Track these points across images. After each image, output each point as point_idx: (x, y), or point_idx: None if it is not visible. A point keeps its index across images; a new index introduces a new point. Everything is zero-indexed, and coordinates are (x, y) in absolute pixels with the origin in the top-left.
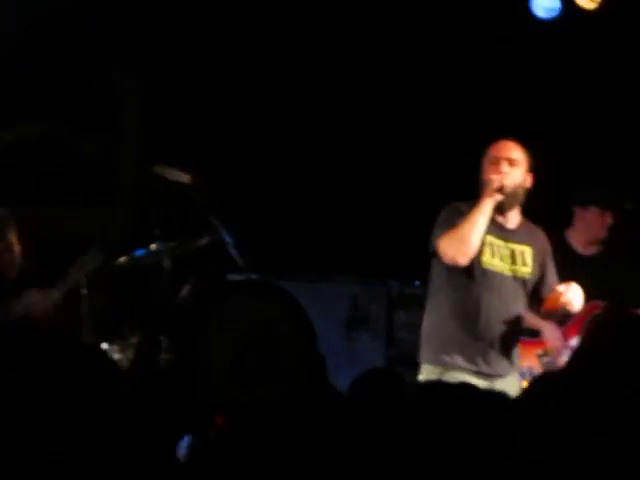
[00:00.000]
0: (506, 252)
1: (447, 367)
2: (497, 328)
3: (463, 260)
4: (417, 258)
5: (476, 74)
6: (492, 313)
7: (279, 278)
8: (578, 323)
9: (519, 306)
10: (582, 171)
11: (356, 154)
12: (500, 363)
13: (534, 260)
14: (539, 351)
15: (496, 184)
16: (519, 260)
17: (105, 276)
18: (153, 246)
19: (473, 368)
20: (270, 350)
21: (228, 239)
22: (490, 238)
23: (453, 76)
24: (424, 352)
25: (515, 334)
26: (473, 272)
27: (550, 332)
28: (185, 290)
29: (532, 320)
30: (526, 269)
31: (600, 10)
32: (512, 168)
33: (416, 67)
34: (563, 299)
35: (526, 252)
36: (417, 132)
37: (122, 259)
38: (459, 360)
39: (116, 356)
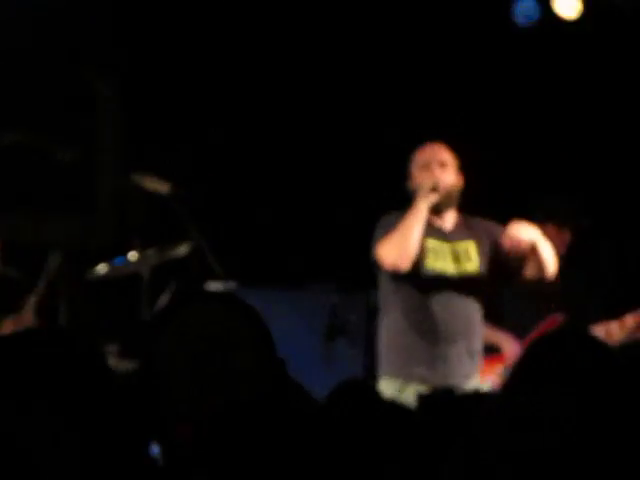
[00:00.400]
0: (449, 253)
1: (407, 379)
2: (455, 329)
3: (404, 264)
4: None
5: (446, 81)
6: (446, 316)
7: (258, 286)
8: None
9: (473, 304)
10: (540, 186)
11: (335, 163)
12: (464, 364)
13: (480, 253)
14: (501, 367)
15: (429, 184)
16: (463, 257)
17: (83, 284)
18: (132, 254)
19: (434, 377)
20: (226, 355)
21: (207, 247)
22: (431, 242)
23: (431, 81)
24: (383, 365)
25: (475, 332)
26: (419, 278)
27: (509, 346)
28: (163, 298)
29: (491, 336)
30: (471, 264)
31: (580, 20)
32: (443, 169)
33: (387, 76)
34: (506, 235)
35: (469, 247)
36: (398, 147)
37: (100, 267)
38: (420, 369)
39: None
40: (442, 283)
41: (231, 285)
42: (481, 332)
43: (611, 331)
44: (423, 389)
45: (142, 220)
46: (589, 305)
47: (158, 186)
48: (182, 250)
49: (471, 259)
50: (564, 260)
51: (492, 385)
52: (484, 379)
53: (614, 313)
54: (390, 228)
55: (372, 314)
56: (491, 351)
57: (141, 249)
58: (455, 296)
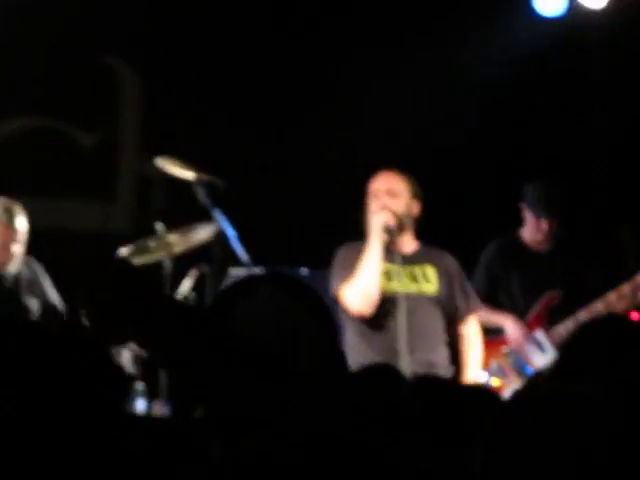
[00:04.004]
0: (405, 273)
1: None
2: (408, 343)
3: (369, 311)
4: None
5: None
6: (400, 331)
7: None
8: (540, 315)
9: (432, 321)
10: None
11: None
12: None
13: (439, 278)
14: (506, 348)
15: (380, 225)
16: (421, 278)
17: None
18: (153, 242)
19: None
20: (294, 346)
21: (230, 232)
22: (385, 266)
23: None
24: None
25: (433, 346)
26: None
27: (512, 327)
28: (186, 283)
29: (493, 317)
30: (430, 286)
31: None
32: (393, 199)
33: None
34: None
35: (428, 271)
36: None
37: (122, 252)
38: None
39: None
40: (399, 302)
41: (256, 271)
42: (442, 347)
43: (610, 302)
44: None
45: (165, 205)
46: (586, 279)
47: (182, 171)
48: (205, 235)
49: (430, 281)
50: (557, 240)
51: (497, 366)
52: (489, 361)
53: (609, 284)
54: (347, 269)
55: None
56: (494, 333)
57: (164, 234)
58: (415, 313)
